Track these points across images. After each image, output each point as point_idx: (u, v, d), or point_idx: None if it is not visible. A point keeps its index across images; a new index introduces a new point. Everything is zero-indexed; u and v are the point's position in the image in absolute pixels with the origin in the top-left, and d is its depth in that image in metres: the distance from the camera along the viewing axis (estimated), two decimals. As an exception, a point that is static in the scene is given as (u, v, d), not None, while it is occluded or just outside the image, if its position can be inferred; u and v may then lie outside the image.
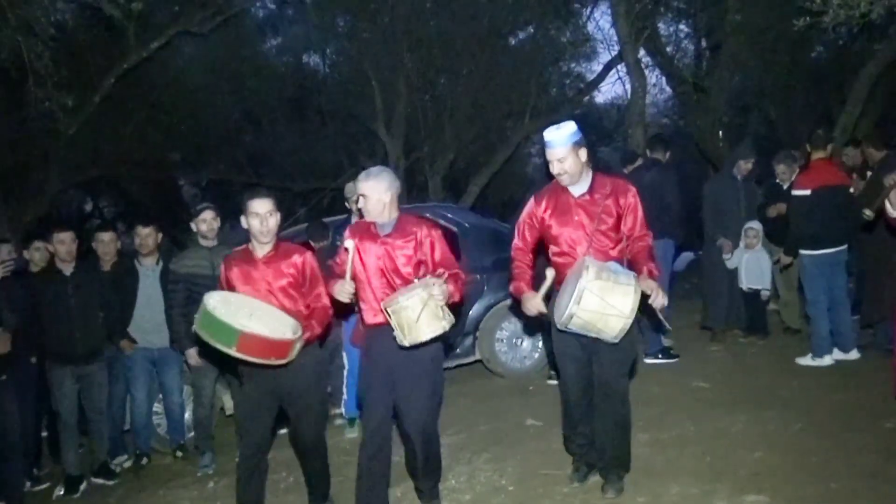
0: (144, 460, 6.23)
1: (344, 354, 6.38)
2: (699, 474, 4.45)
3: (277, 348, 4.01)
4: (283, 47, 16.12)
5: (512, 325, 7.25)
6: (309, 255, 4.46)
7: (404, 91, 13.70)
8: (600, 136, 20.83)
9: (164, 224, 8.39)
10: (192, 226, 5.97)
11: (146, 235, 6.18)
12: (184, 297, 5.78)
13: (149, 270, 6.17)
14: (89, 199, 18.55)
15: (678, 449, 4.89)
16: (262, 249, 4.35)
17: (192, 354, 5.82)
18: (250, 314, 4.17)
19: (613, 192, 4.24)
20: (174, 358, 6.14)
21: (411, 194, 14.50)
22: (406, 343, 3.94)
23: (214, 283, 5.78)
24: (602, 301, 3.88)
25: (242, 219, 4.33)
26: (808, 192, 6.32)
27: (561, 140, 4.17)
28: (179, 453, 6.26)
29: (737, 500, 4.08)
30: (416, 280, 4.15)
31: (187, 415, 6.44)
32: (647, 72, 12.77)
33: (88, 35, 9.09)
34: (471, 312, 7.18)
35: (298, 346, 4.11)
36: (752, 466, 4.48)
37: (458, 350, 7.19)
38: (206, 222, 5.87)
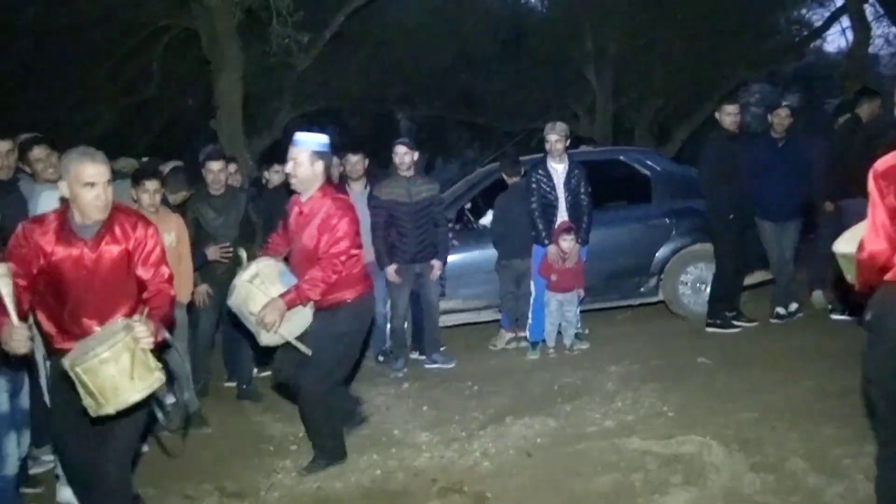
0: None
1: (531, 283, 6.89)
2: (856, 423, 4.60)
3: None
4: (502, -11, 16.56)
5: (697, 270, 7.46)
6: None
7: (616, 35, 13.77)
8: (827, 87, 19.77)
9: (380, 155, 9.20)
10: (394, 157, 6.65)
11: (355, 162, 6.86)
12: (384, 221, 6.51)
13: (358, 194, 6.81)
14: (315, 130, 20.02)
15: (841, 399, 5.00)
16: None
17: (391, 272, 6.56)
18: None
19: (324, 214, 4.36)
20: (380, 273, 6.82)
21: (616, 139, 14.64)
22: (110, 411, 3.12)
23: (411, 210, 6.48)
24: (243, 302, 4.36)
25: None
26: None
27: (304, 143, 4.39)
28: (381, 358, 7.03)
29: (889, 446, 4.24)
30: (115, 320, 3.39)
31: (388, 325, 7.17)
32: (874, 24, 12.15)
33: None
34: (658, 254, 7.46)
35: None
36: (912, 419, 4.58)
37: (642, 289, 7.52)
38: (398, 155, 6.54)
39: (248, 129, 10.41)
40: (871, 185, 2.99)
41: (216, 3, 8.85)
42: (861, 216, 7.00)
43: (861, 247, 3.02)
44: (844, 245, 3.36)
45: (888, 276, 2.95)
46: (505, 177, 7.16)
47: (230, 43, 9.20)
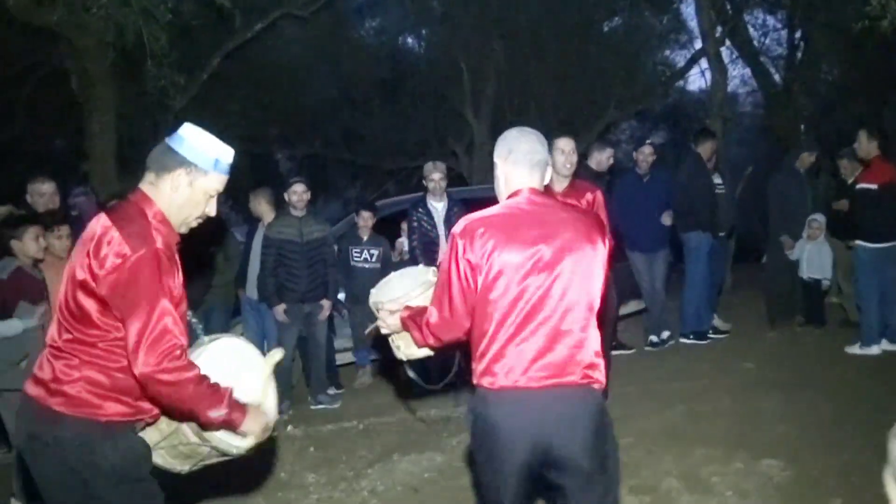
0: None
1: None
2: (725, 441, 4.87)
3: None
4: (380, 29, 16.70)
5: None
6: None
7: (492, 76, 14.14)
8: (692, 125, 20.76)
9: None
10: (285, 196, 6.66)
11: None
12: (273, 260, 6.50)
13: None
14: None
15: (711, 420, 5.31)
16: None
17: (278, 311, 6.53)
18: None
19: None
20: (268, 313, 6.78)
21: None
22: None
23: (302, 250, 6.49)
24: None
25: None
26: (874, 186, 6.54)
27: None
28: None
29: (754, 462, 4.51)
30: None
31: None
32: (730, 66, 12.94)
33: (200, 17, 9.86)
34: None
35: None
36: (774, 437, 4.88)
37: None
38: (297, 194, 6.56)
39: (122, 170, 10.12)
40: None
41: (88, 44, 8.61)
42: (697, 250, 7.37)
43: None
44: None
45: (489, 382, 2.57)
46: None
47: (103, 84, 8.93)
